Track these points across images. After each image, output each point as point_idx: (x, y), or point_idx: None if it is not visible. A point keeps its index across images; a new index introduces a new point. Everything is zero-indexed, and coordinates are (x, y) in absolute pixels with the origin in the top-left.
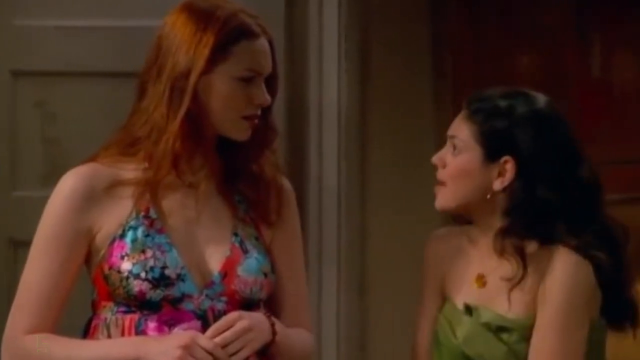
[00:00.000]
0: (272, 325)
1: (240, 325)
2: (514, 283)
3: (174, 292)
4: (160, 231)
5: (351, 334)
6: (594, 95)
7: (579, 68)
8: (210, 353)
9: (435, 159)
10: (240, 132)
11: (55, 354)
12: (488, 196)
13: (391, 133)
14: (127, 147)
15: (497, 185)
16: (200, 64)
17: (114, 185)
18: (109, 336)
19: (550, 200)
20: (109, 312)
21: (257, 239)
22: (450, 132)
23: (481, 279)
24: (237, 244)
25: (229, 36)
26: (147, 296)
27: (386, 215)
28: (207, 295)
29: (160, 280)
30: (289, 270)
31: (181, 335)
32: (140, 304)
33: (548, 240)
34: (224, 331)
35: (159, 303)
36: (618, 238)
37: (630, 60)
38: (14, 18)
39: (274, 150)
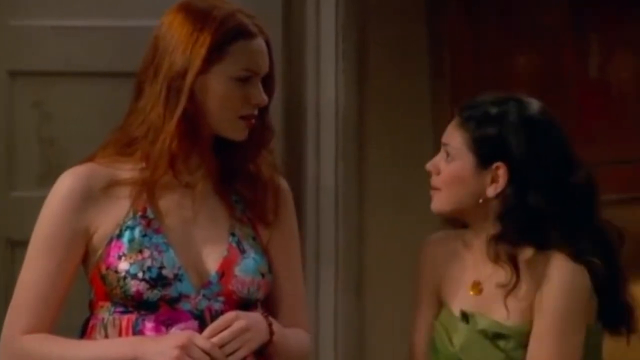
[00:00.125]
0: (270, 325)
1: (237, 325)
2: (508, 290)
3: (171, 292)
4: (157, 231)
5: (349, 334)
6: (592, 95)
7: (578, 68)
8: (207, 353)
9: (429, 165)
10: (237, 132)
11: (53, 354)
12: (480, 201)
13: (389, 133)
14: (124, 147)
15: (491, 191)
16: (196, 63)
17: (111, 185)
18: (106, 336)
19: (542, 206)
20: (106, 312)
21: (254, 239)
22: (443, 139)
23: (477, 286)
24: (234, 244)
25: (226, 36)
26: (145, 296)
27: (384, 215)
28: (204, 295)
29: (158, 280)
30: (286, 270)
31: (178, 335)
32: (137, 304)
33: (543, 246)
34: (221, 331)
35: (156, 303)
36: (613, 242)
37: (629, 60)
38: (11, 18)
39: (271, 150)
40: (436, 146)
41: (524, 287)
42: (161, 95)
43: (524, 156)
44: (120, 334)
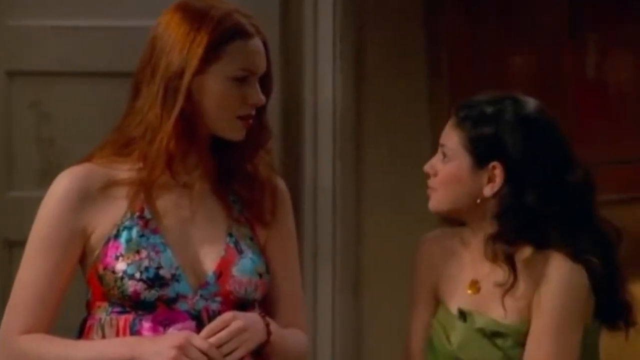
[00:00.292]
0: (267, 325)
1: (235, 326)
2: (506, 289)
3: (168, 292)
4: (154, 231)
5: (346, 334)
6: (591, 95)
7: (576, 68)
8: (204, 353)
9: (426, 167)
10: (234, 132)
11: (50, 354)
12: (478, 201)
13: (386, 133)
14: (122, 147)
15: (488, 191)
16: (193, 63)
17: (108, 186)
18: (104, 336)
19: (539, 206)
20: (103, 313)
21: (251, 239)
22: (440, 140)
23: (475, 285)
24: (231, 244)
25: (223, 36)
26: (142, 296)
27: (381, 215)
28: (201, 296)
29: (155, 281)
30: (283, 271)
31: (176, 335)
32: (134, 304)
33: (541, 245)
34: (218, 331)
35: (153, 303)
36: (611, 241)
37: (628, 60)
38: (9, 18)
39: (268, 150)
40: (434, 146)
41: (522, 286)
42: (158, 95)
43: (520, 155)
44: (117, 334)
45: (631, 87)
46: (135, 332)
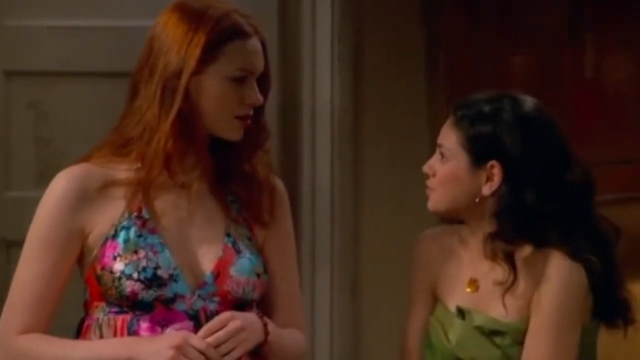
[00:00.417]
0: (265, 325)
1: (232, 325)
2: (505, 288)
3: (166, 292)
4: (152, 231)
5: (344, 335)
6: (590, 95)
7: (575, 68)
8: (202, 353)
9: (425, 167)
10: (232, 132)
11: (48, 354)
12: (477, 200)
13: (384, 133)
14: (120, 147)
15: (486, 190)
16: (191, 63)
17: (106, 186)
18: (101, 336)
19: (538, 204)
20: (101, 313)
21: (249, 239)
22: (438, 140)
23: (474, 283)
24: (229, 245)
25: (221, 36)
26: (140, 296)
27: (379, 215)
28: (199, 296)
29: (153, 281)
30: (281, 271)
31: (173, 335)
32: (132, 305)
33: (541, 244)
34: (216, 331)
35: (151, 303)
36: (609, 239)
37: (627, 60)
38: (7, 18)
39: (266, 150)
40: (432, 147)
41: (521, 285)
42: (156, 95)
43: (518, 154)
44: (115, 334)
45: (630, 87)
46: (132, 332)
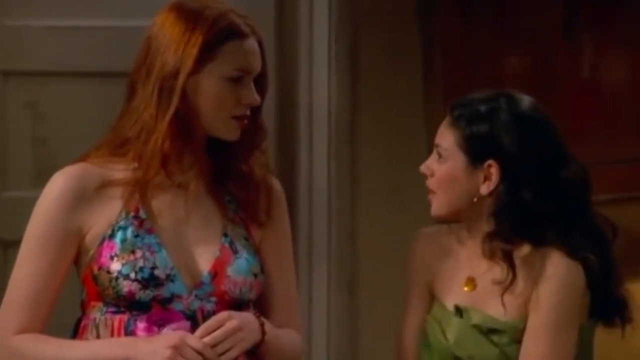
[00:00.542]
0: (262, 325)
1: (229, 325)
2: (504, 286)
3: (163, 292)
4: (149, 231)
5: (341, 334)
6: (586, 96)
7: (571, 69)
8: (199, 353)
9: (423, 168)
10: (229, 132)
11: (46, 354)
12: (475, 200)
13: (381, 133)
14: (117, 147)
15: (484, 189)
16: (188, 63)
17: (104, 186)
18: (98, 336)
19: (535, 203)
20: (98, 312)
21: (246, 239)
22: (435, 140)
23: (472, 283)
24: (226, 245)
25: (218, 36)
26: (137, 296)
27: (376, 215)
28: (196, 296)
29: (150, 281)
30: (278, 271)
31: (170, 335)
32: (129, 304)
33: (539, 243)
34: (213, 331)
35: (148, 303)
36: (607, 237)
37: (623, 60)
38: (4, 18)
39: (263, 150)
40: (429, 146)
41: (520, 284)
42: (153, 95)
43: (515, 153)
44: (112, 334)
45: (626, 87)
46: (129, 332)
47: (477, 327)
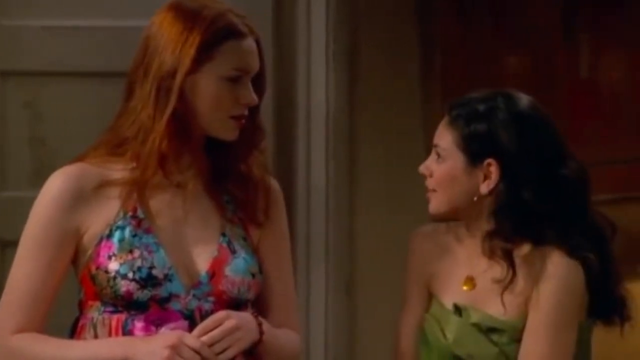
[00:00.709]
0: (260, 325)
1: (227, 324)
2: (504, 285)
3: (161, 292)
4: (147, 231)
5: (339, 334)
6: (585, 96)
7: (570, 69)
8: (197, 352)
9: (422, 168)
10: (227, 132)
11: (45, 354)
12: (475, 199)
13: (380, 134)
14: (115, 147)
15: (484, 188)
16: (186, 63)
17: (102, 186)
18: (96, 336)
19: (535, 202)
20: (95, 312)
21: (245, 239)
22: (434, 140)
23: (471, 282)
24: (224, 244)
25: (216, 36)
26: (135, 296)
27: (374, 215)
28: (194, 295)
29: (148, 280)
30: (276, 271)
31: (168, 335)
32: (127, 304)
33: (539, 242)
34: (210, 330)
35: (146, 303)
36: (606, 236)
37: (622, 60)
38: (3, 18)
39: (262, 150)
40: (427, 147)
41: (520, 283)
42: (151, 95)
43: (514, 151)
44: (109, 334)
45: (625, 87)
46: (127, 331)
47: (477, 326)
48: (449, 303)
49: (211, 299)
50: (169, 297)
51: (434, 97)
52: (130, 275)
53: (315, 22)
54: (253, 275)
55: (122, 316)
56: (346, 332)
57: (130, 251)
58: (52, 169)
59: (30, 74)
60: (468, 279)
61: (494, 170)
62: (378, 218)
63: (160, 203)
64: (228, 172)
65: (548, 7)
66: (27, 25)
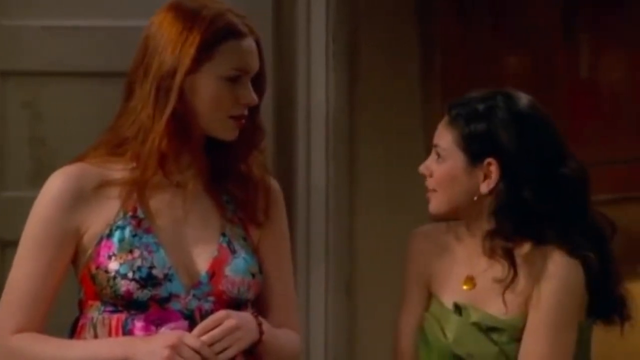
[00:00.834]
0: (259, 324)
1: (227, 324)
2: (505, 285)
3: (161, 292)
4: (147, 231)
5: (339, 334)
6: (585, 96)
7: (569, 69)
8: (197, 351)
9: (422, 168)
10: (227, 132)
11: (44, 354)
12: (475, 198)
13: (380, 134)
14: (115, 147)
15: (484, 188)
16: (185, 63)
17: (102, 186)
18: (96, 336)
19: (535, 201)
20: (95, 312)
21: (245, 239)
22: (434, 140)
23: (471, 281)
24: (224, 244)
25: (215, 35)
26: (134, 296)
27: (374, 215)
28: (194, 295)
29: (148, 280)
30: (276, 271)
31: (168, 334)
32: (127, 304)
33: (539, 241)
34: (210, 329)
35: (146, 303)
36: (606, 235)
37: (622, 60)
38: (3, 18)
39: (262, 150)
40: (427, 146)
41: (521, 282)
42: (151, 95)
43: (514, 150)
44: (109, 334)
45: (625, 87)
46: (127, 331)
47: (477, 325)
48: (448, 302)
49: (211, 298)
50: (169, 297)
51: (434, 97)
52: (130, 275)
53: (315, 22)
54: (253, 275)
55: (122, 316)
56: (346, 332)
57: (130, 251)
58: (52, 169)
59: (30, 74)
60: (468, 278)
61: (494, 169)
62: (378, 218)
63: (160, 203)
64: (228, 172)
65: (548, 7)
66: (27, 25)
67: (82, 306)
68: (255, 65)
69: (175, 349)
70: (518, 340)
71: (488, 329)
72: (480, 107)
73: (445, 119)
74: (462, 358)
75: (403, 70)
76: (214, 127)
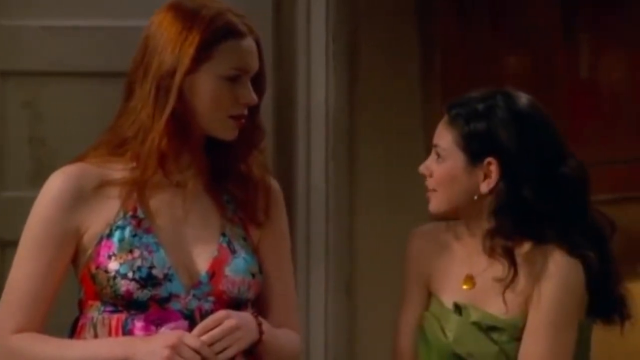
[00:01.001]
0: (259, 324)
1: (227, 324)
2: (505, 284)
3: (161, 292)
4: (147, 231)
5: (339, 334)
6: (585, 96)
7: (569, 69)
8: (197, 351)
9: (422, 168)
10: (227, 132)
11: (44, 354)
12: (475, 198)
13: (379, 134)
14: (116, 147)
15: (484, 187)
16: (185, 62)
17: (102, 185)
18: (96, 335)
19: (535, 200)
20: (95, 312)
21: (245, 239)
22: (434, 140)
23: (471, 280)
24: (224, 244)
25: (215, 35)
26: (134, 296)
27: (374, 215)
28: (194, 295)
29: (148, 280)
30: (276, 271)
31: (168, 334)
32: (127, 304)
33: (539, 240)
34: (210, 329)
35: (146, 303)
36: (606, 234)
37: (622, 60)
38: (3, 18)
39: (262, 150)
40: (427, 146)
41: (521, 281)
42: (150, 94)
43: (514, 150)
44: (109, 334)
45: (625, 87)
46: (127, 331)
47: (477, 325)
48: (448, 302)
49: (211, 298)
50: (169, 297)
51: (434, 97)
52: (130, 275)
53: (315, 22)
54: (253, 275)
55: (122, 316)
56: (346, 332)
57: (130, 251)
58: (52, 169)
59: (30, 74)
60: (468, 277)
61: (494, 169)
62: (378, 218)
63: (160, 203)
64: (228, 171)
65: (548, 7)
66: (27, 25)
67: (82, 306)
68: (254, 64)
69: (175, 348)
70: (518, 339)
71: (488, 329)
72: (480, 106)
73: (445, 118)
74: (462, 357)
75: (403, 70)
76: (214, 126)
